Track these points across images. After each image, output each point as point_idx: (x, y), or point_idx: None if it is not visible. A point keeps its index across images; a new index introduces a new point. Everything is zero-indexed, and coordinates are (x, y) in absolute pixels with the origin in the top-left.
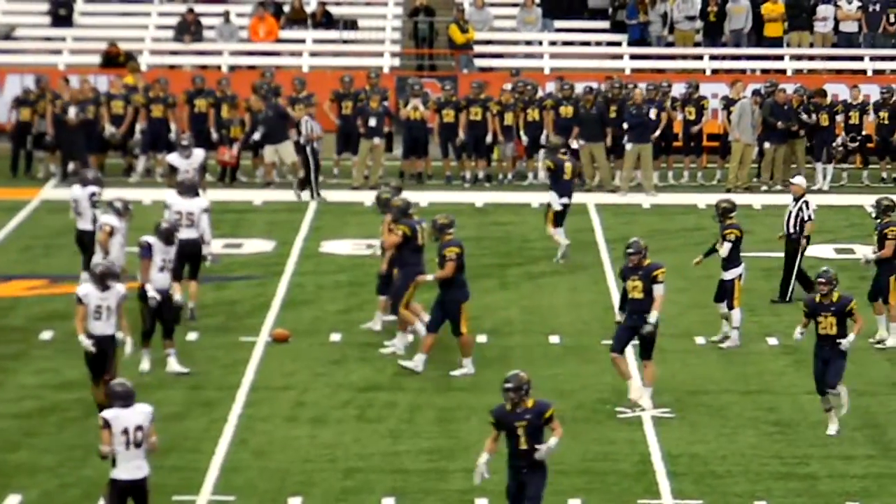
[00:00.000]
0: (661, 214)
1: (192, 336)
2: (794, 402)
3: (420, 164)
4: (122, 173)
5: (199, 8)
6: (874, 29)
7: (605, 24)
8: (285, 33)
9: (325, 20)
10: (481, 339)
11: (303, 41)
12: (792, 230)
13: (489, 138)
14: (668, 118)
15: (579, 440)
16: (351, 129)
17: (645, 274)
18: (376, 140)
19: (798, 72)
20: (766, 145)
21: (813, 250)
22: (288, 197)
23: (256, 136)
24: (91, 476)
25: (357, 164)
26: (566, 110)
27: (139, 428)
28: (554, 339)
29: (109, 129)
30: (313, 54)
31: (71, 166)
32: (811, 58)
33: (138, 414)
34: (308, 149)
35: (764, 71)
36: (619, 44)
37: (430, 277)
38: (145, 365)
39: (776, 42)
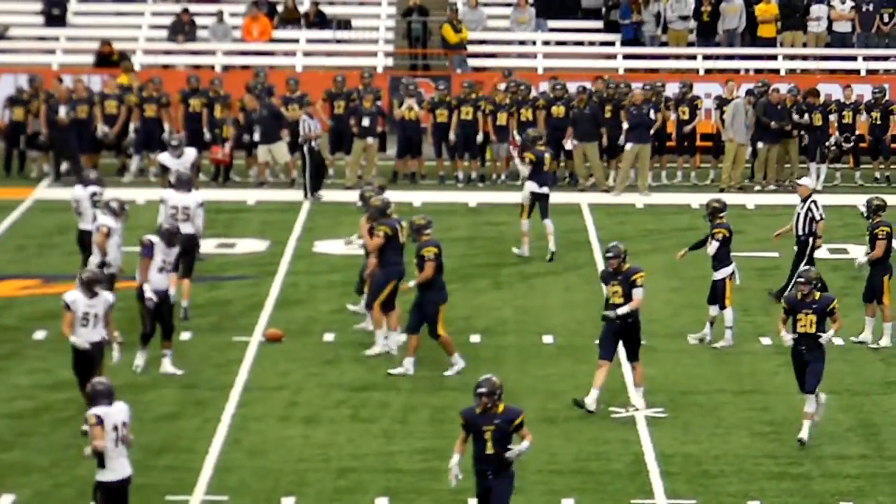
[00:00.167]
0: (655, 214)
1: (185, 336)
2: (787, 401)
3: (414, 164)
4: (115, 173)
5: (192, 7)
6: (868, 29)
7: (599, 24)
8: (279, 33)
9: (319, 20)
10: (475, 338)
11: (296, 41)
12: (801, 231)
13: (479, 138)
14: (663, 118)
15: (573, 440)
16: (343, 128)
17: (625, 278)
18: (370, 140)
19: (792, 72)
20: (760, 145)
21: None
22: (281, 197)
23: (256, 136)
24: (84, 475)
25: (350, 163)
26: (559, 110)
27: (124, 424)
28: (547, 338)
29: (102, 128)
30: (307, 54)
31: (64, 166)
32: (805, 58)
33: (120, 411)
34: (305, 148)
35: (757, 71)
36: (612, 44)
37: (412, 284)
38: (139, 362)
39: (770, 42)
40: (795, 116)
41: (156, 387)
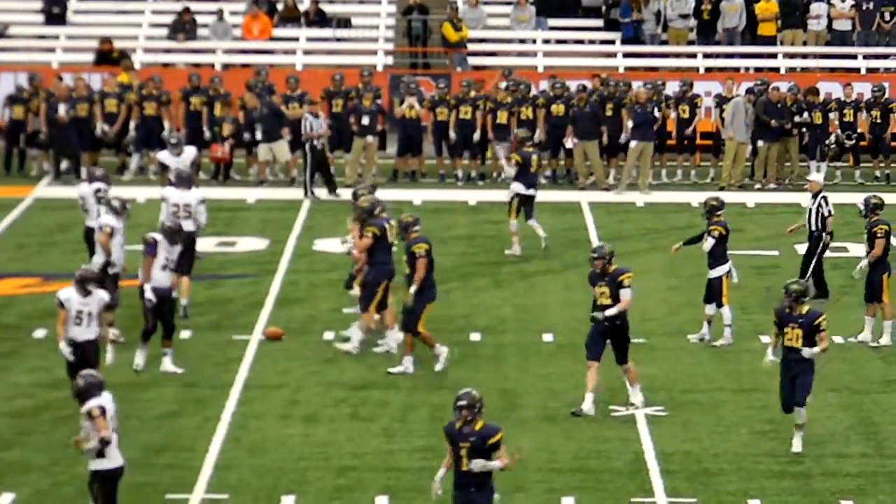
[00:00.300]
0: (655, 213)
1: (185, 334)
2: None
3: (414, 163)
4: (115, 171)
5: (192, 6)
6: (868, 27)
7: (599, 23)
8: (279, 31)
9: (319, 18)
10: (475, 337)
11: (296, 39)
12: (813, 227)
13: (476, 136)
14: (663, 116)
15: (573, 438)
16: (342, 126)
17: (611, 279)
18: (370, 138)
19: (792, 70)
20: (760, 144)
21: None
22: (281, 195)
23: (257, 134)
24: (84, 474)
25: (350, 162)
26: (559, 108)
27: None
28: (547, 337)
29: (102, 127)
30: (307, 52)
31: (64, 164)
32: (805, 56)
33: (109, 401)
34: (307, 146)
35: (757, 69)
36: (612, 42)
37: (412, 290)
38: (139, 360)
39: (770, 40)
40: (796, 118)
41: (156, 385)
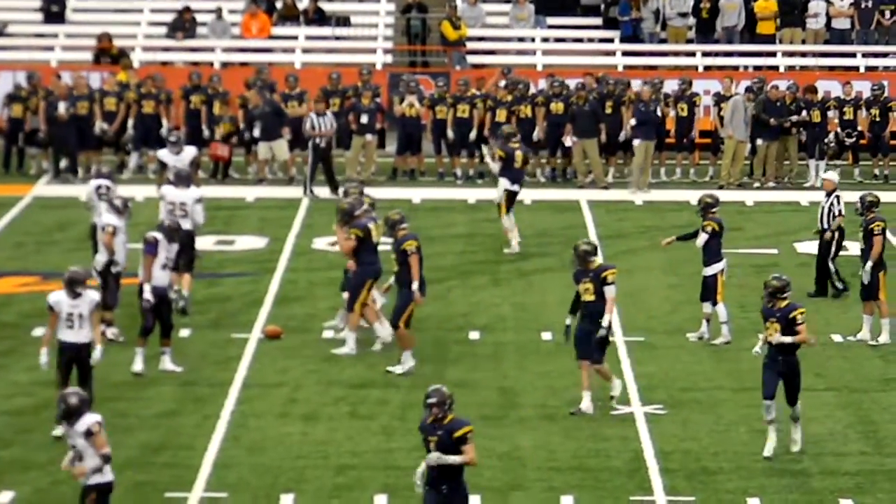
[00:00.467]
0: (653, 211)
1: (184, 333)
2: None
3: (413, 161)
4: (114, 170)
5: (192, 4)
6: (866, 25)
7: (598, 21)
8: (278, 30)
9: (318, 17)
10: (474, 335)
11: (295, 38)
12: (826, 225)
13: (472, 135)
14: (662, 115)
15: (572, 437)
16: (340, 125)
17: (595, 275)
18: (368, 136)
19: (791, 68)
20: (759, 142)
21: (806, 246)
22: (280, 194)
23: (256, 132)
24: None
25: (349, 160)
26: (558, 107)
27: None
28: (546, 335)
29: (101, 126)
30: (306, 51)
31: (63, 163)
32: (803, 54)
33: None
34: (310, 144)
35: (756, 68)
36: (611, 40)
37: (415, 287)
38: (138, 366)
39: (769, 39)
40: (794, 118)
41: (155, 384)
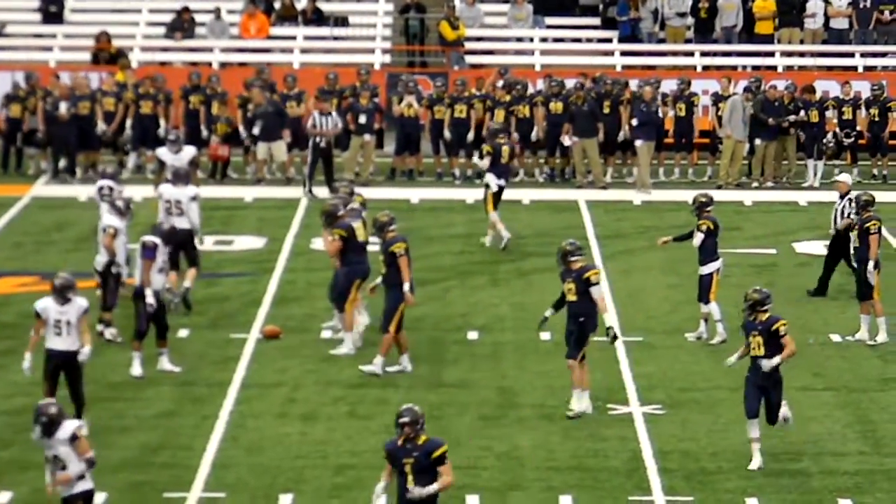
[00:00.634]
0: (652, 211)
1: (182, 333)
2: (784, 397)
3: (412, 161)
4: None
5: (190, 4)
6: (865, 25)
7: (596, 21)
8: (276, 30)
9: (316, 17)
10: (472, 335)
11: (293, 38)
12: (838, 227)
13: (470, 136)
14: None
15: (571, 437)
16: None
17: (577, 276)
18: (367, 137)
19: (789, 68)
20: (758, 142)
21: (804, 247)
22: (279, 194)
23: (255, 130)
24: None
25: (347, 160)
26: (556, 106)
27: None
28: (545, 335)
29: (101, 126)
30: (304, 51)
31: (62, 163)
32: (802, 54)
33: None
34: (310, 142)
35: (755, 67)
36: (609, 40)
37: (411, 298)
38: (137, 371)
39: (767, 39)
40: (791, 118)
41: (153, 384)
